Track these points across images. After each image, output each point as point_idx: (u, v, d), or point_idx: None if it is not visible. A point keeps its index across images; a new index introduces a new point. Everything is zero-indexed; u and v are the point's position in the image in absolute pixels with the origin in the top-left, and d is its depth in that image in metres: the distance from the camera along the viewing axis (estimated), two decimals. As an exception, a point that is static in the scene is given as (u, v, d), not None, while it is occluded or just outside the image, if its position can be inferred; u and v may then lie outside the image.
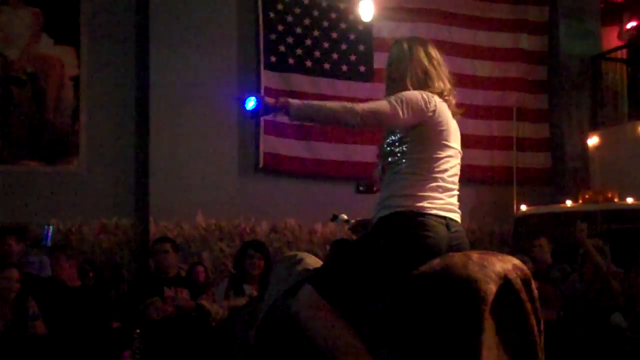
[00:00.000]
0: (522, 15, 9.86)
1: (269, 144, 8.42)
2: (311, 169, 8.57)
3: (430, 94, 3.05)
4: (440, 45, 9.59)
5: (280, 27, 8.67)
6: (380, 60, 8.47)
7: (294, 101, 3.04)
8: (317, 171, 8.56)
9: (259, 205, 8.23)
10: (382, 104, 3.01)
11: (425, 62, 3.15)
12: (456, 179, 3.12)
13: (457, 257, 2.89)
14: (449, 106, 3.14)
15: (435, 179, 3.02)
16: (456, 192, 3.11)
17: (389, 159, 3.15)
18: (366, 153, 8.06)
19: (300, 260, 3.30)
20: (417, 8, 9.27)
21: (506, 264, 2.88)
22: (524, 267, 2.97)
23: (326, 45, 8.88)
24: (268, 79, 8.52)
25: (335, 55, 8.91)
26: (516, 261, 2.98)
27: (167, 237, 6.67)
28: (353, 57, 8.95)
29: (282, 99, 3.06)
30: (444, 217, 2.99)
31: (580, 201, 8.34)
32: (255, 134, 8.40)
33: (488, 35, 9.65)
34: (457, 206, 3.11)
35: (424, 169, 3.03)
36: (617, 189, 8.25)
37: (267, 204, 8.29)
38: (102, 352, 5.43)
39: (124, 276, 7.71)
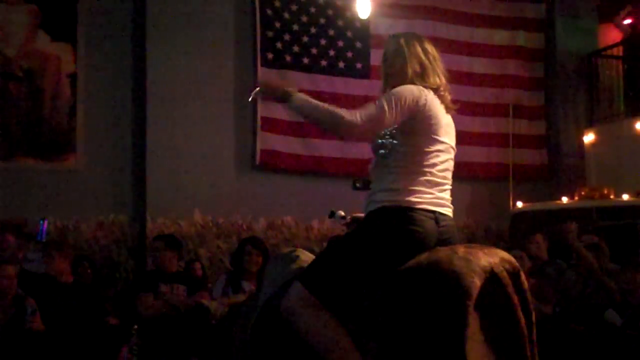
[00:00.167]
0: (519, 13, 9.88)
1: (266, 141, 8.44)
2: (308, 166, 8.58)
3: (422, 88, 3.04)
4: (437, 42, 9.59)
5: (277, 24, 8.68)
6: (377, 57, 8.41)
7: (300, 95, 3.07)
8: (314, 168, 8.58)
9: (256, 202, 8.24)
10: (371, 113, 2.98)
11: (422, 56, 3.14)
12: (448, 173, 3.10)
13: (442, 252, 2.88)
14: (444, 101, 3.12)
15: (425, 173, 3.01)
16: (447, 187, 3.09)
17: (380, 153, 3.15)
18: (363, 150, 8.04)
19: (295, 257, 3.31)
20: (414, 5, 9.28)
21: (493, 258, 2.86)
22: (513, 260, 2.95)
23: (323, 42, 8.89)
24: (265, 75, 8.51)
25: (332, 52, 8.92)
26: (504, 254, 2.96)
27: (164, 235, 6.68)
28: (350, 54, 8.96)
29: (290, 88, 3.10)
30: (433, 212, 2.98)
31: (577, 198, 8.35)
32: (252, 131, 8.41)
33: (485, 32, 9.66)
34: (449, 200, 3.10)
35: (413, 162, 3.02)
36: (613, 185, 8.27)
37: (264, 201, 8.30)
38: (100, 349, 5.44)
39: (121, 273, 7.73)
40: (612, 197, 8.10)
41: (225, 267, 6.57)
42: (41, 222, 6.83)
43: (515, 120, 9.47)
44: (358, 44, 9.00)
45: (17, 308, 5.25)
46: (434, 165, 3.03)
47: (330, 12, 8.93)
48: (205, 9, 8.19)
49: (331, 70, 8.87)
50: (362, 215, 3.24)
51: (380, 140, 3.14)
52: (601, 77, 9.85)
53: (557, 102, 9.80)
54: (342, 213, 4.41)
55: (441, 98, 3.11)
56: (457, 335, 2.71)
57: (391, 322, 2.85)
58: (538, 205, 8.59)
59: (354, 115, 2.97)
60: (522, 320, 2.86)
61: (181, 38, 8.02)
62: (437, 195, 3.02)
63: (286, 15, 8.73)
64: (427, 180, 3.01)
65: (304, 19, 8.81)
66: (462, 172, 8.82)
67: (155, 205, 7.72)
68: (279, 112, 8.50)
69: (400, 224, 2.95)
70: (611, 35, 10.54)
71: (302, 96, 3.10)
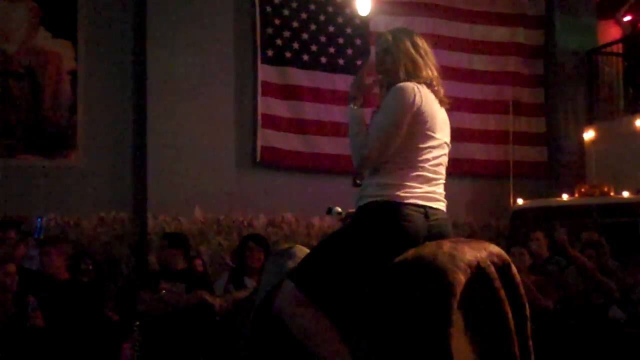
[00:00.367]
0: (519, 10, 9.89)
1: (267, 138, 8.44)
2: (308, 163, 8.59)
3: (415, 86, 3.03)
4: (437, 40, 9.67)
5: (277, 21, 8.68)
6: (377, 54, 8.48)
7: (357, 109, 3.15)
8: (314, 165, 8.58)
9: (257, 199, 8.25)
10: (378, 133, 3.01)
11: (412, 52, 3.12)
12: (441, 168, 3.10)
13: (428, 247, 2.87)
14: (437, 95, 3.12)
15: (416, 168, 3.00)
16: (440, 182, 3.09)
17: None
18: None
19: (292, 254, 3.31)
20: (413, 2, 9.29)
21: (479, 252, 2.84)
22: (502, 254, 2.93)
23: (323, 39, 8.89)
24: (265, 73, 8.53)
25: (332, 49, 8.92)
26: (493, 248, 2.94)
27: (170, 233, 6.72)
28: (350, 51, 8.97)
29: (361, 102, 3.17)
30: (423, 206, 2.97)
31: (576, 195, 8.37)
32: (253, 128, 8.42)
33: (485, 29, 9.66)
34: (442, 195, 3.09)
35: (404, 158, 3.01)
36: (613, 182, 8.29)
37: (265, 198, 8.31)
38: (101, 345, 5.45)
39: (122, 270, 7.73)
40: (612, 194, 8.13)
41: (226, 264, 6.55)
42: (38, 219, 6.82)
43: (515, 118, 9.48)
44: (358, 41, 9.00)
45: (17, 305, 5.26)
46: (426, 160, 3.03)
47: (330, 9, 8.94)
48: (206, 6, 8.18)
49: (331, 67, 8.87)
50: None
51: None
52: (601, 75, 9.86)
53: (557, 99, 9.81)
54: (339, 209, 4.42)
55: (435, 92, 3.11)
56: (442, 332, 2.69)
57: (379, 319, 2.84)
58: (538, 202, 8.61)
59: (364, 150, 3.02)
60: (509, 315, 2.84)
61: (181, 35, 8.01)
62: (427, 190, 3.01)
63: (286, 12, 8.73)
64: (418, 175, 3.00)
65: (304, 15, 8.81)
66: (463, 169, 9.04)
67: (156, 202, 7.71)
68: (279, 109, 8.52)
69: (388, 218, 2.95)
70: (611, 33, 10.57)
71: (359, 112, 3.15)
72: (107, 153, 7.91)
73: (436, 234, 2.99)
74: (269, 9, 8.64)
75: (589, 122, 9.72)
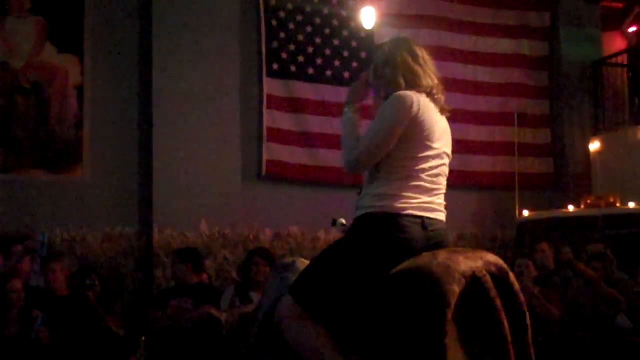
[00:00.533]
0: (524, 22, 9.90)
1: (272, 151, 8.46)
2: (314, 176, 8.59)
3: (414, 95, 3.03)
4: (442, 52, 9.68)
5: (282, 35, 8.71)
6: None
7: (350, 111, 3.19)
8: (320, 178, 8.58)
9: (263, 212, 8.25)
10: (369, 140, 3.03)
11: (411, 62, 3.13)
12: (440, 179, 3.07)
13: (423, 259, 2.85)
14: (437, 104, 3.11)
15: (413, 178, 2.99)
16: (440, 192, 3.07)
17: None
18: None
19: (294, 267, 3.31)
20: (418, 15, 9.31)
21: (475, 262, 2.83)
22: (499, 263, 2.92)
23: (328, 52, 8.91)
24: (270, 86, 8.56)
25: (337, 63, 8.94)
26: (490, 257, 2.93)
27: (182, 248, 6.73)
28: (355, 64, 8.98)
29: (357, 105, 3.23)
30: (420, 217, 2.96)
31: (583, 206, 8.35)
32: (258, 142, 8.43)
33: (489, 42, 9.67)
34: (441, 205, 3.07)
35: (401, 167, 3.00)
36: (619, 193, 8.27)
37: (271, 212, 8.31)
38: (107, 360, 5.46)
39: (128, 285, 7.73)
40: (618, 205, 8.10)
41: (232, 278, 6.55)
42: (41, 236, 6.83)
43: (521, 129, 9.46)
44: (363, 54, 9.02)
45: (23, 321, 5.27)
46: (423, 170, 3.01)
47: (335, 22, 8.96)
48: (211, 20, 8.21)
49: (336, 80, 8.88)
50: None
51: None
52: (606, 86, 9.85)
53: (562, 110, 9.80)
54: (344, 221, 4.41)
55: (435, 101, 3.10)
56: (437, 343, 2.69)
57: (376, 331, 2.83)
58: (544, 214, 8.59)
59: (354, 153, 3.04)
60: (505, 325, 2.82)
61: (187, 50, 8.04)
62: (425, 200, 2.99)
63: (291, 25, 8.76)
64: (416, 185, 2.99)
65: (309, 29, 8.84)
66: (468, 180, 9.05)
67: (162, 216, 7.72)
68: (284, 122, 8.53)
69: (385, 230, 2.94)
70: (616, 44, 10.57)
71: (351, 115, 3.18)
72: (113, 168, 7.92)
73: (435, 244, 2.98)
74: (274, 22, 8.68)
75: (595, 133, 9.70)
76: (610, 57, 10.00)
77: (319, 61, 8.85)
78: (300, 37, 8.78)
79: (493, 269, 2.87)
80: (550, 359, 5.59)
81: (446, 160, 3.12)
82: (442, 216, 3.08)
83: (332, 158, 8.57)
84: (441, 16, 9.44)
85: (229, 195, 7.96)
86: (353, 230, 3.05)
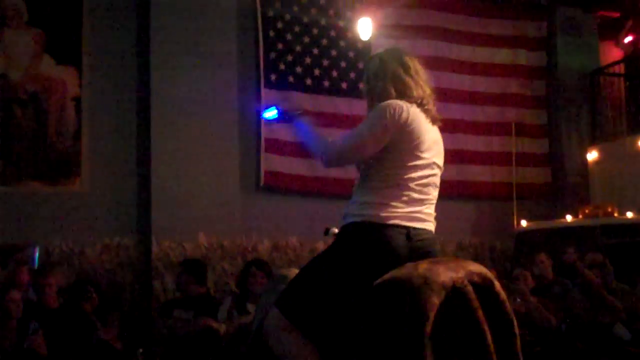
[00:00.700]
0: (520, 32, 9.92)
1: (270, 162, 8.45)
2: (312, 187, 8.58)
3: (404, 104, 3.03)
4: (439, 62, 9.70)
5: (280, 46, 8.72)
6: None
7: (305, 118, 3.23)
8: (318, 189, 8.57)
9: (261, 223, 8.24)
10: (351, 143, 3.06)
11: (401, 73, 3.13)
12: (429, 189, 3.07)
13: (404, 269, 2.84)
14: (429, 114, 3.11)
15: (399, 187, 2.99)
16: (428, 202, 3.07)
17: (363, 166, 3.15)
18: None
19: (285, 279, 3.31)
20: (415, 25, 9.33)
21: (457, 272, 2.81)
22: (483, 272, 2.90)
23: (326, 63, 8.93)
24: (268, 97, 8.56)
25: (335, 73, 8.95)
26: (473, 267, 2.91)
27: (187, 259, 6.75)
28: (352, 75, 8.99)
29: (299, 111, 3.27)
30: (405, 227, 2.96)
31: (580, 216, 8.36)
32: (256, 153, 8.43)
33: (486, 52, 9.70)
34: (430, 215, 3.07)
35: (387, 176, 3.01)
36: (617, 203, 8.28)
37: (269, 223, 8.30)
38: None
39: (126, 296, 7.71)
40: (616, 215, 8.11)
41: (230, 290, 6.57)
42: (32, 249, 6.82)
43: (518, 139, 9.48)
44: (360, 65, 9.03)
45: (20, 332, 5.26)
46: (411, 179, 3.01)
47: (332, 33, 8.98)
48: (208, 32, 8.23)
49: (334, 91, 8.90)
50: None
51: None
52: (604, 95, 9.88)
53: (559, 120, 9.82)
54: (336, 230, 4.41)
55: (426, 111, 3.10)
56: (417, 356, 2.67)
57: (358, 344, 2.82)
58: (542, 224, 8.61)
59: (334, 145, 3.06)
60: (488, 335, 2.80)
61: (185, 61, 8.06)
62: (412, 210, 2.99)
63: (289, 36, 8.77)
64: (403, 195, 2.99)
65: (306, 40, 8.86)
66: (466, 190, 9.05)
67: (160, 227, 7.71)
68: (282, 133, 8.53)
69: (369, 240, 2.94)
70: (613, 53, 10.60)
71: (305, 121, 3.18)
72: (111, 179, 7.91)
73: (421, 254, 2.97)
74: (272, 33, 8.69)
75: (593, 143, 9.72)
76: (607, 66, 10.02)
77: (316, 72, 8.86)
78: (298, 48, 8.79)
79: (476, 278, 2.85)
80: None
81: (436, 171, 3.11)
82: (430, 226, 3.08)
83: (330, 169, 8.56)
84: (438, 26, 9.46)
85: (227, 206, 7.95)
86: (338, 239, 3.06)
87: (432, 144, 3.09)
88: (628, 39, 10.65)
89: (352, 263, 2.93)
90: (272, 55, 8.67)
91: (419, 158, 3.03)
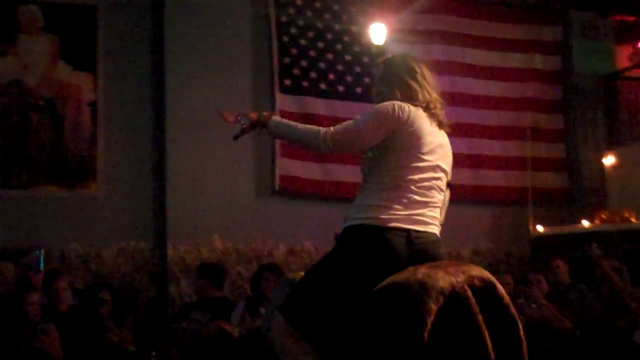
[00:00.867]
0: (536, 36, 9.88)
1: (285, 166, 8.44)
2: (327, 192, 8.57)
3: (406, 105, 3.04)
4: (454, 67, 9.64)
5: (294, 51, 8.73)
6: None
7: (275, 118, 3.17)
8: (333, 193, 8.55)
9: (276, 228, 8.23)
10: (348, 125, 3.06)
11: (407, 78, 3.15)
12: (433, 192, 3.05)
13: (403, 274, 2.81)
14: (436, 118, 3.11)
15: (401, 189, 2.98)
16: (431, 205, 3.04)
17: (365, 168, 3.15)
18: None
19: (292, 282, 3.30)
20: (430, 30, 9.30)
21: (456, 277, 2.78)
22: (484, 275, 2.87)
23: (340, 68, 8.93)
24: (283, 102, 8.56)
25: (349, 78, 8.94)
26: (474, 270, 2.88)
27: (204, 262, 6.77)
28: (367, 80, 8.98)
29: (265, 114, 3.20)
30: (406, 230, 2.94)
31: (597, 221, 8.31)
32: (272, 157, 8.43)
33: (502, 56, 9.65)
34: (432, 218, 3.05)
35: (388, 178, 3.00)
36: (634, 208, 8.21)
37: (284, 227, 8.29)
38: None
39: (142, 300, 7.73)
40: (633, 220, 8.05)
41: (246, 294, 6.58)
42: (37, 252, 6.83)
43: (534, 144, 9.41)
44: (374, 70, 9.01)
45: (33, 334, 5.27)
46: (412, 181, 2.99)
47: (346, 38, 8.98)
48: (222, 38, 8.27)
49: (348, 95, 8.89)
50: None
51: (365, 156, 3.15)
52: (620, 99, 9.82)
53: (576, 124, 9.76)
54: None
55: (432, 115, 3.10)
56: None
57: (358, 350, 2.80)
58: (559, 229, 8.56)
59: (328, 130, 3.04)
60: (488, 340, 2.77)
61: (199, 67, 8.09)
62: (413, 213, 2.97)
63: (303, 42, 8.78)
64: (403, 197, 2.97)
65: (321, 45, 8.86)
66: (482, 195, 9.00)
67: (176, 231, 7.74)
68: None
69: (369, 243, 2.92)
70: (628, 57, 10.53)
71: (278, 119, 3.16)
72: (127, 183, 7.95)
73: (423, 258, 2.94)
74: (286, 39, 8.70)
75: (610, 147, 9.64)
76: (624, 70, 9.96)
77: (331, 77, 8.85)
78: (312, 53, 8.80)
79: (477, 282, 2.82)
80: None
81: (440, 174, 3.09)
82: (433, 229, 3.06)
83: (346, 173, 8.53)
84: (453, 31, 9.43)
85: (242, 211, 7.97)
86: (339, 243, 3.05)
87: (436, 147, 3.08)
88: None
89: (352, 267, 2.92)
90: (287, 60, 8.67)
91: (421, 160, 3.02)
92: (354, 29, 8.93)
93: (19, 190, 7.67)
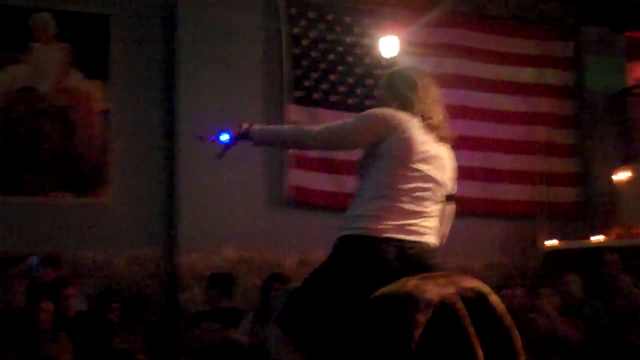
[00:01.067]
0: (548, 51, 9.88)
1: (296, 177, 8.43)
2: (338, 203, 8.51)
3: (398, 113, 3.06)
4: (467, 81, 9.63)
5: (305, 63, 8.74)
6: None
7: (255, 126, 3.23)
8: (344, 204, 8.49)
9: (288, 238, 8.21)
10: (337, 123, 3.12)
11: (406, 89, 3.17)
12: (426, 203, 3.03)
13: (394, 286, 2.78)
14: (432, 129, 3.10)
15: (391, 199, 2.97)
16: (426, 215, 3.03)
17: (359, 175, 3.16)
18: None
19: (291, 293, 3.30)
20: (442, 43, 9.31)
21: (446, 288, 2.74)
22: (477, 287, 2.82)
23: (351, 80, 8.93)
24: (294, 113, 8.55)
25: (359, 91, 8.94)
26: (466, 282, 2.83)
27: (213, 273, 6.77)
28: (378, 92, 8.96)
29: (244, 125, 3.25)
30: (398, 240, 2.93)
31: (610, 236, 8.27)
32: (283, 167, 8.42)
33: (514, 71, 9.64)
34: (427, 228, 3.03)
35: (378, 185, 3.00)
36: (646, 223, 8.19)
37: (296, 237, 8.26)
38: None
39: (152, 308, 7.70)
40: (644, 235, 8.02)
41: (256, 304, 6.56)
42: (34, 258, 6.82)
43: (547, 158, 9.41)
44: (380, 82, 9.00)
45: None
46: (402, 190, 2.99)
47: (357, 50, 8.98)
48: (234, 48, 8.31)
49: (359, 108, 8.84)
50: None
51: (360, 163, 3.17)
52: (633, 115, 9.81)
53: (589, 140, 9.76)
54: None
55: (429, 127, 3.09)
56: None
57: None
58: (571, 244, 8.54)
59: (313, 128, 3.13)
60: (479, 353, 2.71)
61: (210, 76, 8.13)
62: (404, 223, 2.96)
63: (314, 54, 8.79)
64: (392, 206, 2.97)
65: (332, 57, 8.87)
66: (495, 209, 8.97)
67: (187, 240, 7.73)
68: (308, 148, 8.52)
69: (360, 253, 2.93)
70: (640, 73, 10.54)
71: (259, 126, 3.24)
72: (138, 191, 7.96)
73: (415, 268, 2.91)
74: (297, 51, 8.71)
75: (622, 163, 9.62)
76: (635, 86, 9.96)
77: (341, 89, 8.86)
78: (323, 66, 8.81)
79: (469, 293, 2.78)
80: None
81: (429, 185, 3.06)
82: (428, 239, 3.03)
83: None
84: (465, 45, 9.43)
85: (254, 221, 7.96)
86: (332, 253, 3.04)
87: (429, 158, 3.07)
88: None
89: (344, 277, 2.92)
90: (298, 72, 8.68)
91: (411, 169, 3.01)
92: (365, 41, 8.94)
93: (30, 197, 7.67)
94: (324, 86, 8.78)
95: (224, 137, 3.25)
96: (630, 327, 6.15)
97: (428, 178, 3.05)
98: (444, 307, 2.71)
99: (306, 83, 8.71)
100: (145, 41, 8.32)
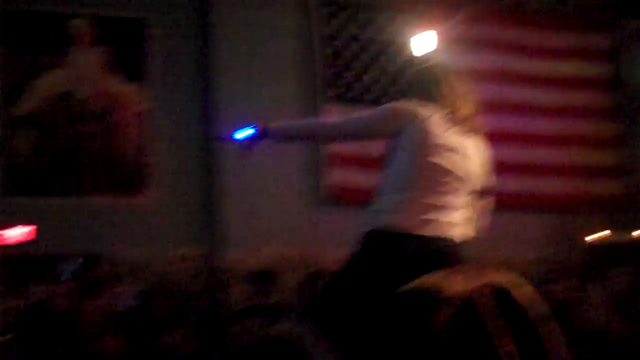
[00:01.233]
0: (586, 44, 9.77)
1: (334, 175, 8.44)
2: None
3: (418, 106, 2.98)
4: (503, 75, 9.53)
5: (338, 63, 8.75)
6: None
7: (272, 125, 3.21)
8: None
9: (327, 235, 8.20)
10: (351, 116, 3.08)
11: (428, 85, 3.11)
12: (449, 196, 2.96)
13: (418, 281, 2.73)
14: (457, 122, 3.03)
15: (411, 191, 2.90)
16: (450, 209, 2.96)
17: (384, 168, 3.08)
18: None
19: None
20: (478, 38, 9.24)
21: (473, 282, 2.66)
22: (504, 281, 2.72)
23: (385, 79, 8.91)
24: (330, 111, 8.55)
25: (393, 89, 8.90)
26: (494, 275, 2.74)
27: (254, 271, 6.81)
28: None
29: (261, 124, 3.22)
30: (417, 236, 2.86)
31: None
32: (321, 166, 8.42)
33: (552, 64, 9.55)
34: (451, 223, 2.96)
35: (399, 178, 2.94)
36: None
37: (334, 235, 8.23)
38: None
39: (195, 305, 7.74)
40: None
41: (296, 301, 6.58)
42: (76, 260, 6.88)
43: (588, 151, 9.32)
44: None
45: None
46: (423, 184, 2.91)
47: (391, 49, 8.97)
48: (269, 49, 8.35)
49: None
50: None
51: (384, 158, 3.08)
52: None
53: (631, 131, 9.64)
54: None
55: (454, 120, 3.02)
56: None
57: (375, 353, 2.75)
58: (615, 237, 8.42)
59: (328, 120, 3.09)
60: (502, 346, 2.63)
61: (246, 76, 8.18)
62: (426, 217, 2.90)
63: (347, 54, 8.79)
64: (413, 199, 2.89)
65: (365, 56, 8.86)
66: (536, 203, 8.86)
67: (228, 239, 7.78)
68: (345, 146, 8.51)
69: (383, 248, 2.87)
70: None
71: (275, 124, 3.23)
72: (178, 191, 8.04)
73: (438, 262, 2.84)
74: (330, 51, 8.73)
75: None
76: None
77: (375, 87, 8.85)
78: (357, 65, 8.80)
79: (496, 287, 2.70)
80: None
81: (451, 178, 2.97)
82: (453, 233, 2.97)
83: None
84: (501, 39, 9.37)
85: (294, 219, 8.00)
86: (356, 248, 2.99)
87: (451, 151, 2.98)
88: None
89: (368, 273, 2.88)
90: (331, 71, 8.68)
91: (428, 163, 2.93)
92: (399, 40, 8.91)
93: (73, 198, 7.78)
94: (358, 85, 8.77)
95: (243, 134, 3.26)
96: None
97: (447, 171, 2.96)
98: (468, 301, 2.66)
99: (340, 82, 8.70)
100: (181, 43, 8.40)
